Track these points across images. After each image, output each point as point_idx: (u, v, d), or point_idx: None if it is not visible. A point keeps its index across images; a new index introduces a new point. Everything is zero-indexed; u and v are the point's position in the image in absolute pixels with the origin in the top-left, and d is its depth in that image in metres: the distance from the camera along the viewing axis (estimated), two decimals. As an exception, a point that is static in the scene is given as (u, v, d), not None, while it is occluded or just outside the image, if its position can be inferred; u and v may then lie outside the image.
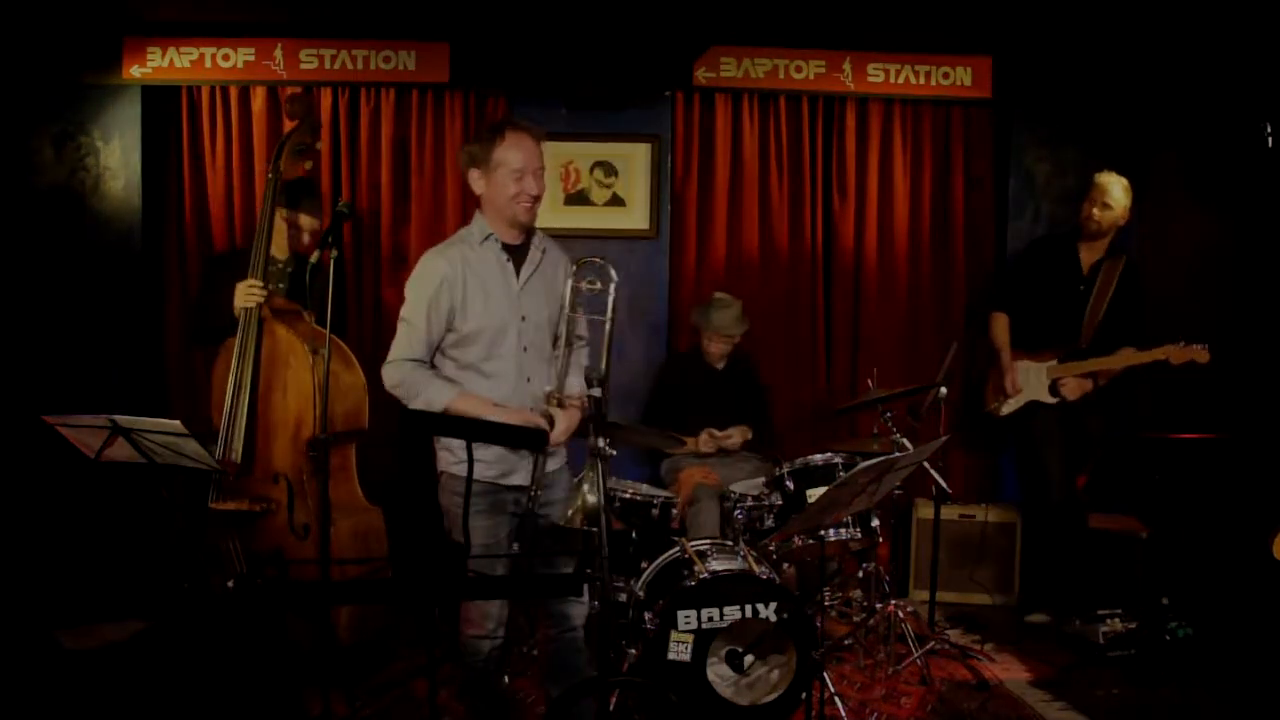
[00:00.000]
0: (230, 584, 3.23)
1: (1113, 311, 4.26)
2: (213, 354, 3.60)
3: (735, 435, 4.30)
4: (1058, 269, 4.35)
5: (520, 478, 2.84)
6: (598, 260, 2.94)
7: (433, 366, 2.84)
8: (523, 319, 2.84)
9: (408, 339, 2.80)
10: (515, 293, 2.85)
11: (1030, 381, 4.31)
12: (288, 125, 3.91)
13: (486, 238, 2.85)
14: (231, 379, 3.46)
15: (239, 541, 3.40)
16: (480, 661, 2.82)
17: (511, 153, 2.77)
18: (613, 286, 2.88)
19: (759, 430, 4.41)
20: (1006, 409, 4.35)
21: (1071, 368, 4.25)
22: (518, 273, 2.87)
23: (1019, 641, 4.17)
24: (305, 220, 3.78)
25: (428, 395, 2.74)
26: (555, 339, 2.94)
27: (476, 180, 2.83)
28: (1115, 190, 4.22)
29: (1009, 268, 4.76)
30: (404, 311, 2.83)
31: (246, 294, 3.48)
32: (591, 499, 2.56)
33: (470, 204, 4.81)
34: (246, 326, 3.47)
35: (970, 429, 4.75)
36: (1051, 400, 4.26)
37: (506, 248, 2.86)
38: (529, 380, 2.85)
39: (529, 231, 2.91)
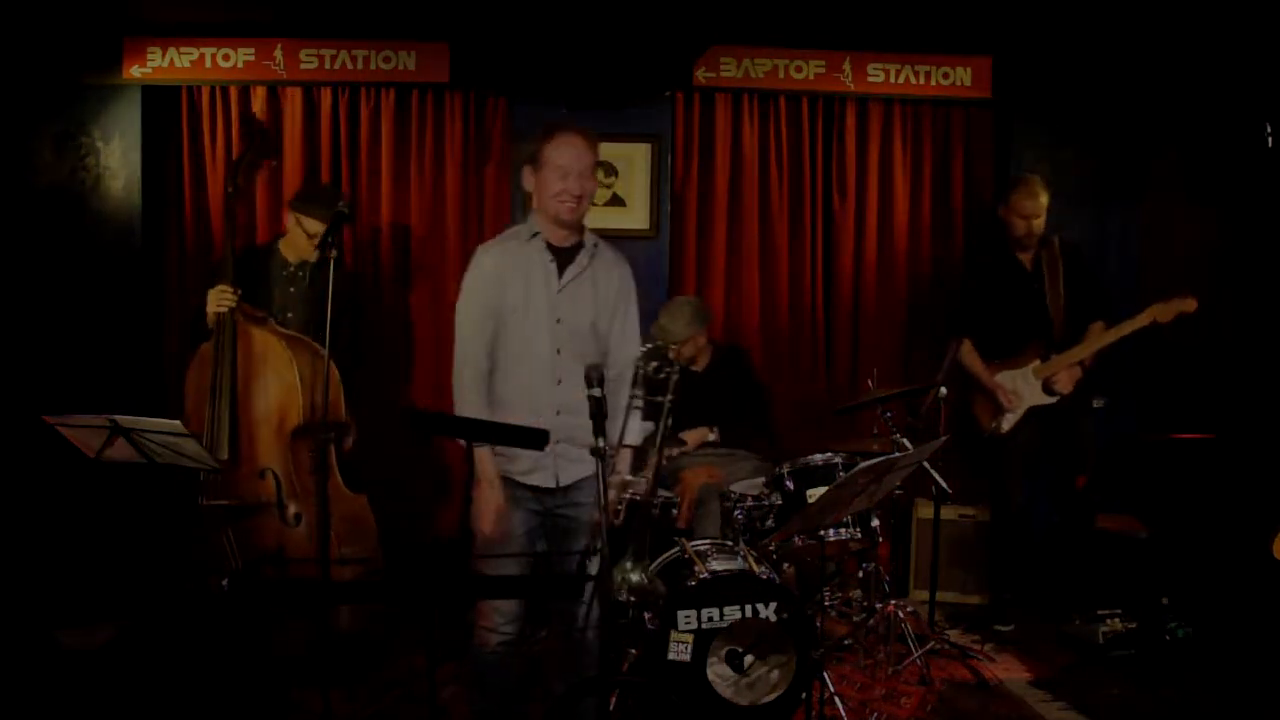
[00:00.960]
0: (224, 583, 3.23)
1: (1071, 293, 4.23)
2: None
3: (685, 437, 4.22)
4: (1005, 277, 4.30)
5: (540, 478, 2.83)
6: (659, 345, 2.89)
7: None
8: (558, 321, 2.82)
9: (465, 345, 2.83)
10: (553, 294, 2.82)
11: (1020, 388, 4.28)
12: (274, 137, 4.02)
13: (533, 236, 2.85)
14: (212, 382, 3.48)
15: (232, 535, 3.42)
16: (487, 654, 2.83)
17: (559, 151, 2.77)
18: (673, 369, 2.82)
19: (753, 428, 4.35)
20: (1008, 424, 4.27)
21: (1058, 361, 4.18)
22: (560, 274, 2.84)
23: (1019, 641, 4.17)
24: (309, 224, 3.78)
25: None
26: (605, 348, 2.89)
27: (528, 178, 2.85)
28: (1043, 199, 4.19)
29: (958, 293, 4.60)
30: (458, 314, 2.85)
31: (219, 299, 3.51)
32: (635, 578, 2.59)
33: (471, 204, 4.87)
34: (221, 331, 3.50)
35: (967, 442, 4.69)
36: (1049, 400, 4.22)
37: (552, 248, 2.85)
38: (560, 382, 2.81)
39: (580, 234, 2.89)
